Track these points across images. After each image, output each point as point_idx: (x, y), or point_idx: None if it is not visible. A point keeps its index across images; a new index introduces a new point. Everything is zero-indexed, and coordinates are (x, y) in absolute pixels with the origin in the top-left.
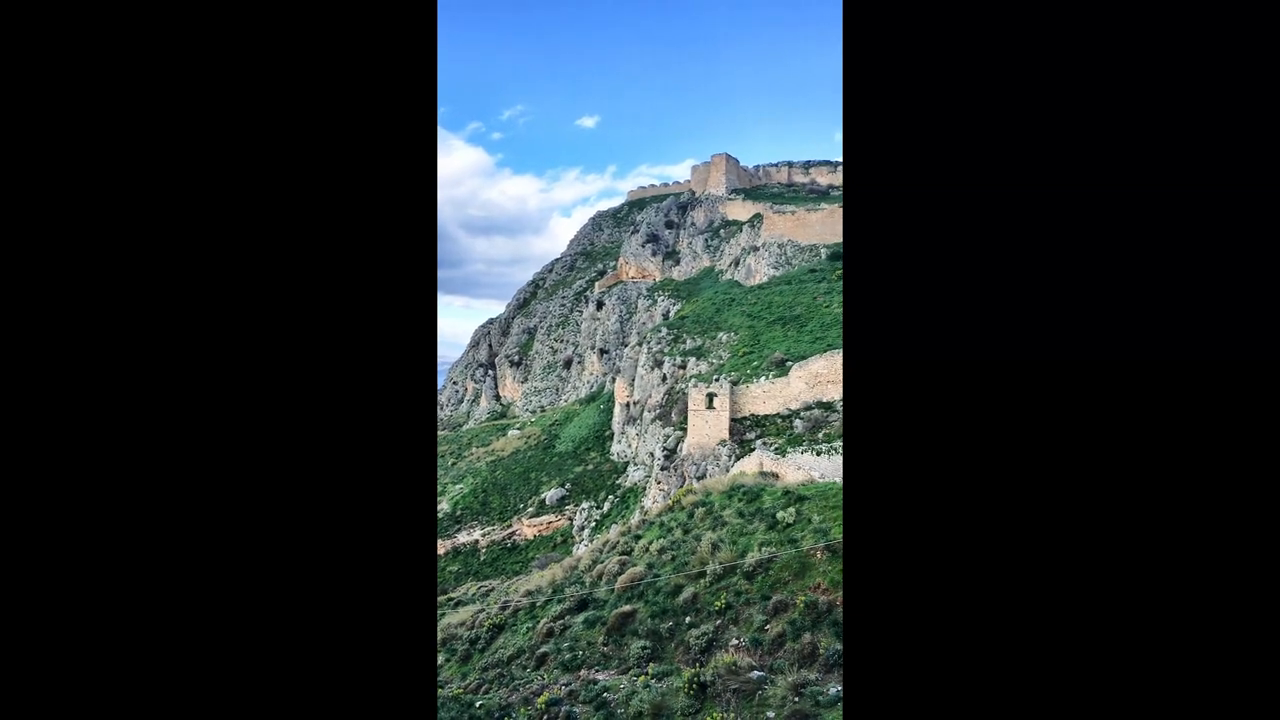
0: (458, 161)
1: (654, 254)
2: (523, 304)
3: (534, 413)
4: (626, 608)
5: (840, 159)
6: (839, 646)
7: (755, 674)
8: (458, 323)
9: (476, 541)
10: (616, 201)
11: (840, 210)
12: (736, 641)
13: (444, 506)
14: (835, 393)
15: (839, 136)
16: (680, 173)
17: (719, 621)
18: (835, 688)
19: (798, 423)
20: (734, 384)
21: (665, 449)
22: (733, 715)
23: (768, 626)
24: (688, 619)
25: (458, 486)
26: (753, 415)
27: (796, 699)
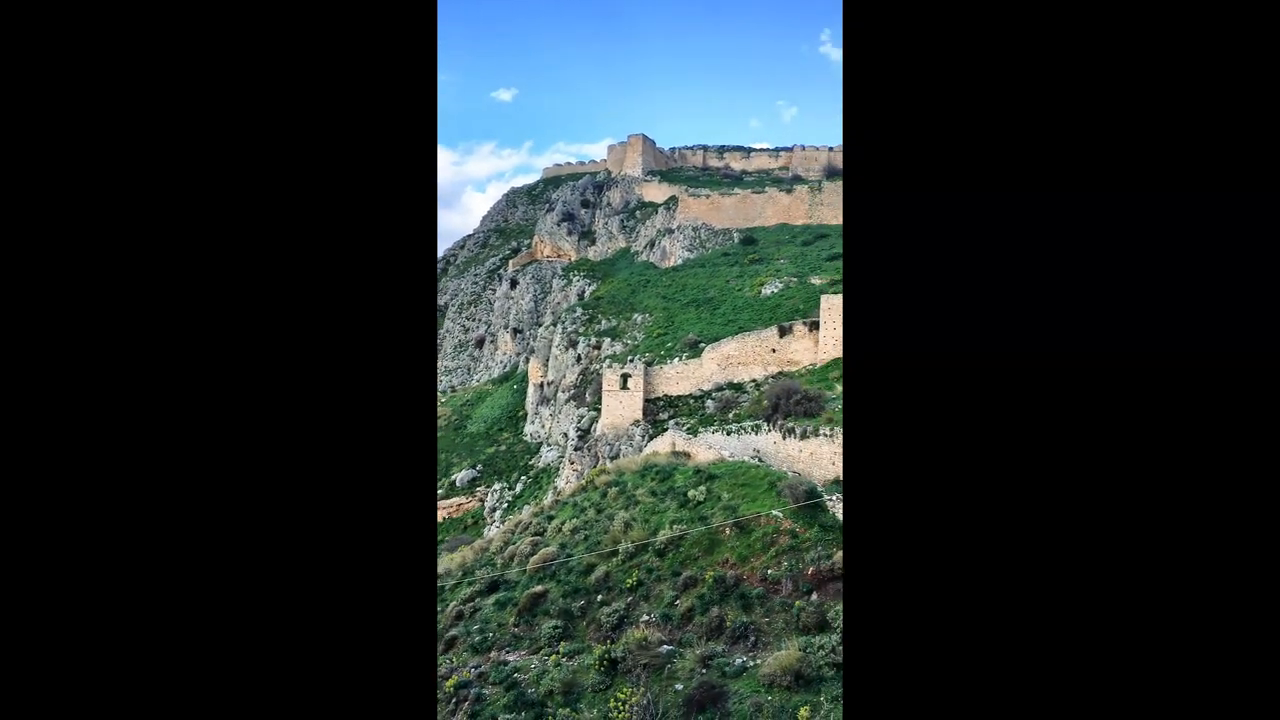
0: None
1: (569, 233)
2: None
3: (445, 393)
4: (538, 588)
5: (753, 146)
6: (745, 619)
7: (665, 648)
8: None
9: None
10: (532, 178)
11: (752, 195)
12: (647, 617)
13: None
14: (746, 374)
15: (755, 123)
16: (598, 151)
17: (630, 599)
18: (741, 659)
19: (709, 403)
20: (648, 365)
21: (579, 429)
22: (643, 689)
23: (677, 601)
24: (599, 597)
25: None
26: (666, 396)
27: (704, 670)
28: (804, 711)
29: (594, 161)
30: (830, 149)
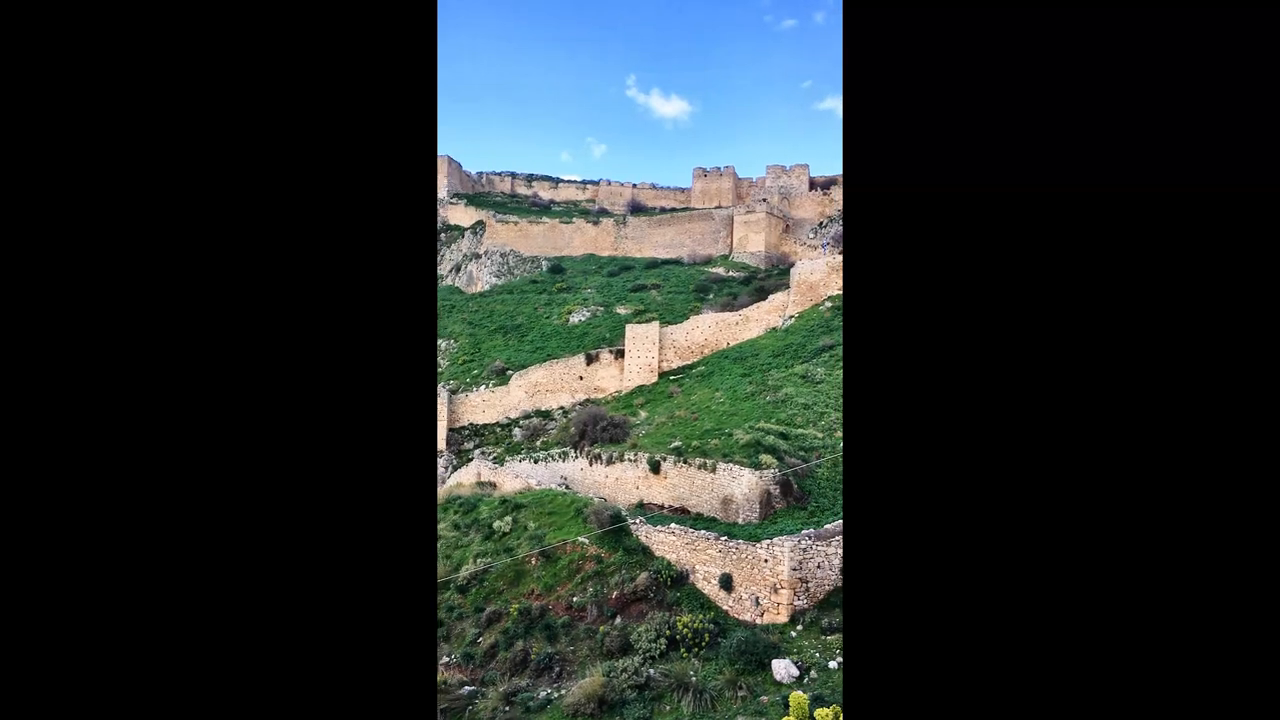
0: None
1: None
2: None
3: None
4: None
5: (561, 176)
6: (550, 649)
7: (466, 689)
8: None
9: None
10: None
11: (560, 225)
12: (447, 659)
13: None
14: (554, 401)
15: (566, 156)
16: None
17: None
18: (545, 690)
19: (517, 431)
20: (453, 392)
21: None
22: None
23: (480, 639)
24: None
25: None
26: (472, 424)
27: (507, 708)
28: None
29: None
30: (634, 185)
